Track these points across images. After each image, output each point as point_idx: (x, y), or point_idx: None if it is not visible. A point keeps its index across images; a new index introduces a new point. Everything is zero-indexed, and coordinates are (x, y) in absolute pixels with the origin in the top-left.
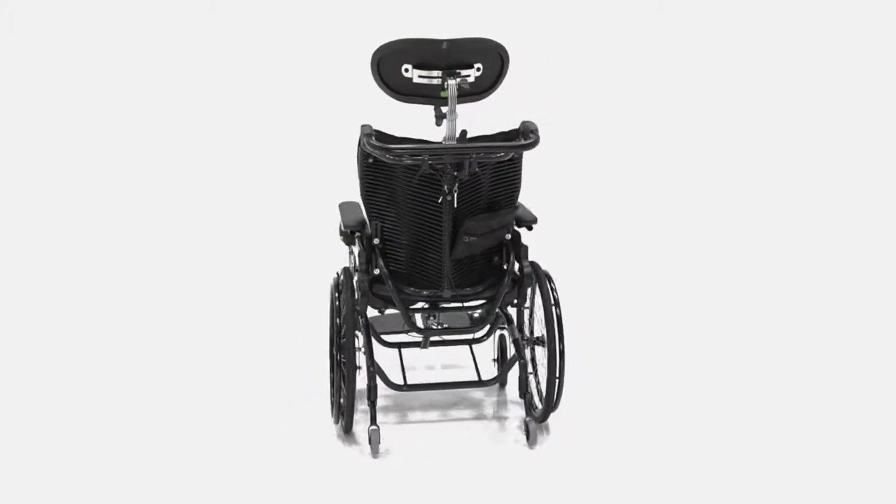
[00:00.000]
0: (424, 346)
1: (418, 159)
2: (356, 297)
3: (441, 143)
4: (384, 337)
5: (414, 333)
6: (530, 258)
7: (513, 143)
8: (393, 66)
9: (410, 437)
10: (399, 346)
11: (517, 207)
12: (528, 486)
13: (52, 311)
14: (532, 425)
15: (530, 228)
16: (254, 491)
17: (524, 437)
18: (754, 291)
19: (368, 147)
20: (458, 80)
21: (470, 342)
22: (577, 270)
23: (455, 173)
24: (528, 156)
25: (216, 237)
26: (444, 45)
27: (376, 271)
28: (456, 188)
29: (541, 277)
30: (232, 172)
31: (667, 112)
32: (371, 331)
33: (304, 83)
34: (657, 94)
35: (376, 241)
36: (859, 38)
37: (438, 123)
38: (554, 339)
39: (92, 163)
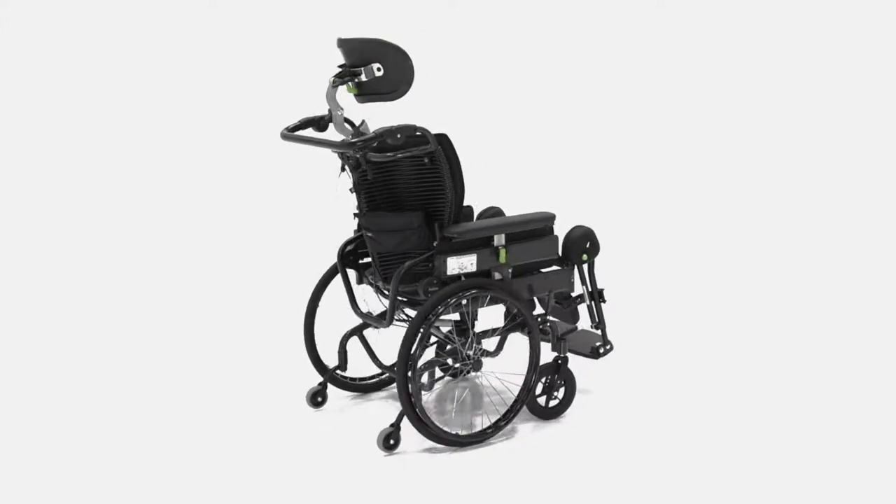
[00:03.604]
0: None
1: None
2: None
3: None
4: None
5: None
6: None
7: (330, 141)
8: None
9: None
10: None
11: (420, 212)
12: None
13: (51, 308)
14: (387, 432)
15: (450, 240)
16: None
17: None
18: (746, 291)
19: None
20: (334, 78)
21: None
22: None
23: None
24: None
25: (218, 231)
26: (348, 45)
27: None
28: (341, 181)
29: (444, 293)
30: (233, 170)
31: (666, 111)
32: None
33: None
34: (657, 92)
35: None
36: (857, 33)
37: (329, 118)
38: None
39: (91, 159)
